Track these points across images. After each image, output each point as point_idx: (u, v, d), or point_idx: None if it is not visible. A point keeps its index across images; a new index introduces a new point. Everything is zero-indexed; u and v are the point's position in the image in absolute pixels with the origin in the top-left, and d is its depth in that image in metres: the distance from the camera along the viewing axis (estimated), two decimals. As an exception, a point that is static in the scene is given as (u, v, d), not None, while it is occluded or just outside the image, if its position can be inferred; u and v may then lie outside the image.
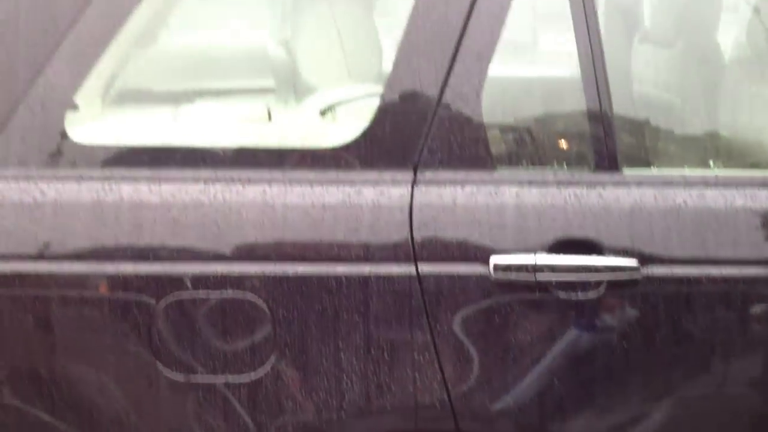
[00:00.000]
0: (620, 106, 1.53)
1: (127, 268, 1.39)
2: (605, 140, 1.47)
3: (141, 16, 1.50)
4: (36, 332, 1.41)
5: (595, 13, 1.46)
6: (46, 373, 1.42)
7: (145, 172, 1.42)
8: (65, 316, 1.41)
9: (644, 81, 2.13)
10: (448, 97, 1.43)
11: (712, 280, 1.44)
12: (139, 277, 1.39)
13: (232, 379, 1.41)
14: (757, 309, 1.47)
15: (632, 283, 1.43)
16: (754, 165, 1.69)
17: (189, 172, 1.42)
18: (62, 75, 1.42)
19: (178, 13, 1.82)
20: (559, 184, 1.46)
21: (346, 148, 1.44)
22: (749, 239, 1.45)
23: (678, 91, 2.06)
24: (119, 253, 1.39)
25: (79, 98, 1.45)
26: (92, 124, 1.53)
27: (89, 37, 1.43)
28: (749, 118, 1.84)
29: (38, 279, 1.40)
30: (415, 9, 1.44)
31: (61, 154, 1.42)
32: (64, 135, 1.42)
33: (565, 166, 1.52)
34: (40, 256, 1.39)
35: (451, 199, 1.42)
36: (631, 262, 1.42)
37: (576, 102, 1.50)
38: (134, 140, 1.49)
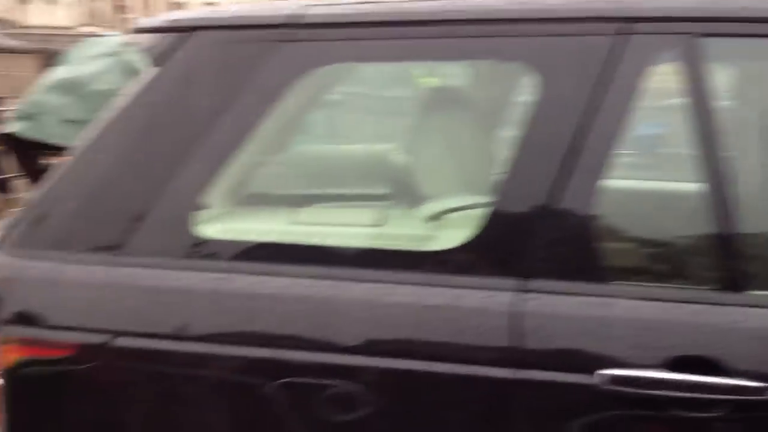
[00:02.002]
0: (748, 223, 1.46)
1: (242, 351, 1.47)
2: (728, 258, 1.41)
3: (269, 127, 1.62)
4: (158, 402, 1.53)
5: (718, 126, 1.42)
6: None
7: (262, 266, 1.51)
8: (184, 391, 1.52)
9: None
10: (560, 208, 1.42)
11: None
12: (251, 361, 1.47)
13: None
14: None
15: (752, 406, 1.33)
16: None
17: (302, 269, 1.49)
18: (194, 177, 1.55)
19: (303, 125, 1.93)
20: (677, 300, 1.39)
21: (453, 252, 1.46)
22: None
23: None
24: (234, 338, 1.48)
25: (208, 198, 1.58)
26: (218, 223, 1.65)
27: (221, 144, 1.55)
28: None
29: (163, 356, 1.51)
30: (530, 122, 1.46)
31: (189, 247, 1.55)
32: (192, 231, 1.54)
33: (684, 283, 1.45)
34: (167, 336, 1.50)
35: (559, 308, 1.39)
36: (752, 383, 1.32)
37: (698, 216, 1.45)
38: (254, 237, 1.61)
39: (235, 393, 1.49)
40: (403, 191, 1.85)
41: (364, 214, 1.72)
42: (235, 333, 1.49)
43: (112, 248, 1.55)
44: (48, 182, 1.63)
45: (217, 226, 1.64)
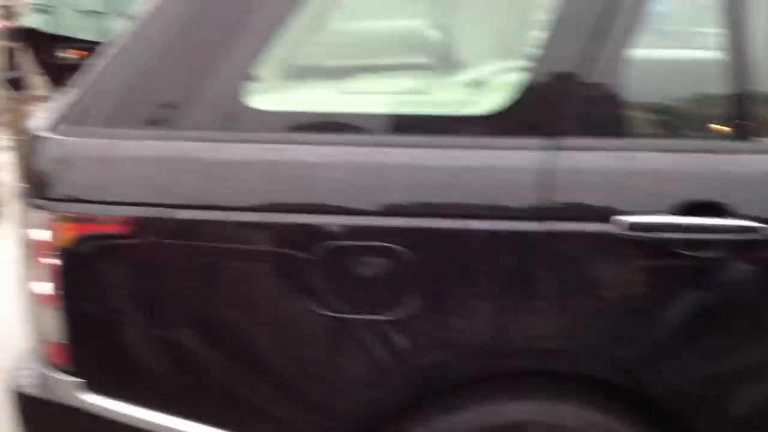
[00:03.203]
0: (759, 83, 1.61)
1: (291, 218, 1.57)
2: (739, 112, 1.57)
3: (314, 4, 1.70)
4: (207, 275, 1.62)
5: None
6: (215, 306, 1.63)
7: (314, 136, 1.61)
8: (236, 261, 1.60)
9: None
10: (592, 71, 1.56)
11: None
12: (301, 227, 1.57)
13: (377, 317, 1.58)
14: None
15: (754, 244, 1.52)
16: None
17: (350, 137, 1.61)
18: (245, 49, 1.60)
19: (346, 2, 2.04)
20: (692, 151, 1.57)
21: (494, 116, 1.59)
22: None
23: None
24: (285, 207, 1.58)
25: (258, 71, 1.63)
26: (269, 94, 1.72)
27: (271, 17, 1.62)
28: None
29: (213, 226, 1.58)
30: None
31: (241, 119, 1.61)
32: (243, 102, 1.61)
33: (699, 136, 1.62)
34: (223, 207, 1.58)
35: (589, 163, 1.55)
36: (754, 224, 1.51)
37: (713, 78, 1.61)
38: (304, 108, 1.69)
39: (290, 259, 1.57)
40: (442, 60, 1.99)
41: (407, 82, 1.86)
42: (290, 202, 1.58)
43: (165, 123, 1.61)
44: (101, 61, 1.66)
45: (269, 97, 1.70)
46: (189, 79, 1.61)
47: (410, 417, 1.67)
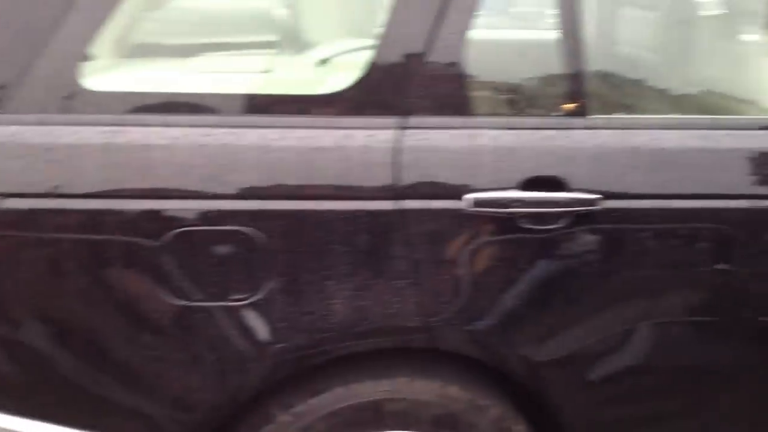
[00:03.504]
0: (593, 63, 1.69)
1: (134, 205, 1.52)
2: (575, 90, 1.64)
3: None
4: (47, 264, 1.54)
5: None
6: (57, 300, 1.56)
7: (155, 118, 1.55)
8: (76, 250, 1.54)
9: (623, 41, 2.30)
10: (436, 50, 1.58)
11: (664, 213, 1.62)
12: (145, 213, 1.52)
13: (230, 303, 1.56)
14: (701, 239, 1.65)
15: (593, 215, 1.60)
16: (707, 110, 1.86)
17: (196, 118, 1.56)
18: (78, 29, 1.53)
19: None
20: (533, 128, 1.62)
21: (340, 95, 1.59)
22: (700, 176, 1.63)
23: (652, 48, 2.23)
24: (127, 192, 1.52)
25: (93, 50, 1.55)
26: (107, 74, 1.66)
27: None
28: (711, 70, 2.01)
29: (51, 215, 1.52)
30: None
31: (77, 101, 1.54)
32: (78, 83, 1.54)
33: (538, 114, 1.68)
34: (53, 194, 1.51)
35: (436, 142, 1.58)
36: (591, 196, 1.59)
37: (550, 58, 1.67)
38: (144, 88, 1.61)
39: (136, 247, 1.52)
40: (291, 38, 1.96)
41: (254, 61, 1.82)
42: (133, 187, 1.52)
43: None
44: None
45: (107, 77, 1.65)
46: (19, 59, 1.52)
47: (272, 402, 1.66)
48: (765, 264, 1.66)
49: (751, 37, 2.07)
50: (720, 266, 1.65)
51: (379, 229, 1.56)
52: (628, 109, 1.87)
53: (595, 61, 1.70)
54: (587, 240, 1.62)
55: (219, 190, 1.53)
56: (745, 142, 1.65)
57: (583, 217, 1.60)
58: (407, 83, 1.59)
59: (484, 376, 1.74)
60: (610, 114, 1.70)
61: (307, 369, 1.64)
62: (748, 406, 1.79)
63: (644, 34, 2.29)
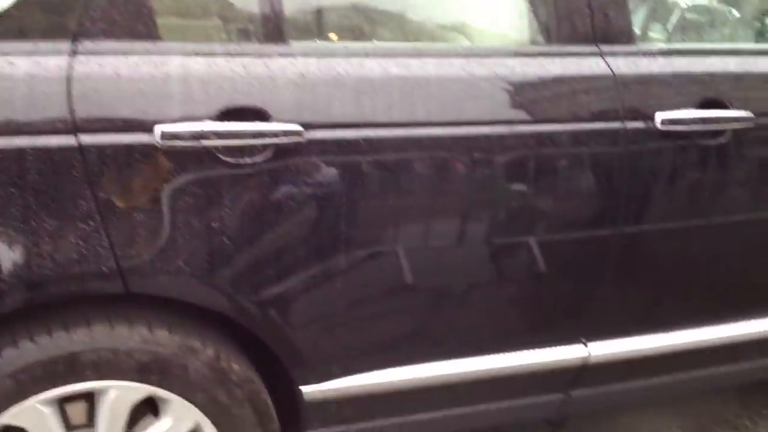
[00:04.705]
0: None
1: None
2: (273, 15, 1.54)
3: None
4: None
5: None
6: None
7: None
8: None
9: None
10: None
11: (370, 142, 1.58)
12: None
13: None
14: (412, 166, 1.64)
15: (297, 147, 1.54)
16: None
17: None
18: None
19: None
20: (227, 54, 1.52)
21: (2, 16, 1.40)
22: (403, 104, 1.60)
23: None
24: None
25: None
26: None
27: None
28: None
29: None
30: None
31: None
32: None
33: (234, 39, 1.57)
34: None
35: (113, 69, 1.43)
36: (294, 127, 1.52)
37: None
38: None
39: None
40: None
41: None
42: None
43: None
44: None
45: None
46: None
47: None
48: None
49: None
50: (414, 196, 1.65)
51: (53, 168, 1.41)
52: (332, 35, 1.81)
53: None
54: (293, 173, 1.55)
55: None
56: (447, 71, 1.65)
57: (289, 150, 1.54)
58: (78, 3, 1.42)
59: (199, 318, 1.66)
60: (313, 41, 1.62)
61: None
62: (475, 322, 1.85)
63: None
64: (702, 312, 2.07)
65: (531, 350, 1.91)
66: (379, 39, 1.83)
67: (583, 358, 1.94)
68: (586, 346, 1.95)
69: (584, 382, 2.01)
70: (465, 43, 1.91)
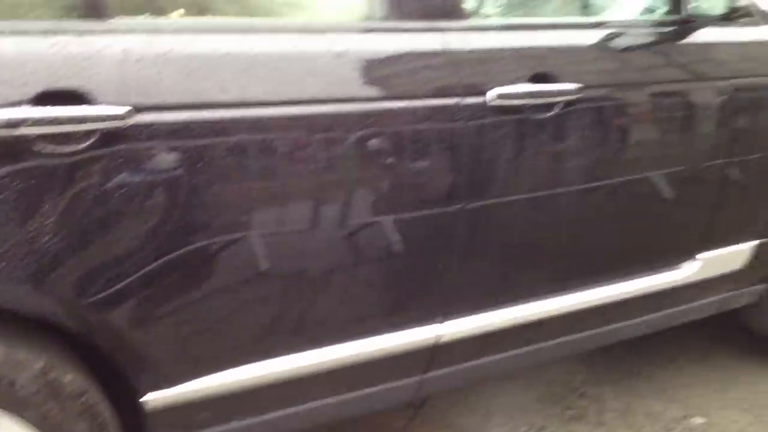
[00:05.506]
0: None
1: None
2: None
3: None
4: None
5: None
6: None
7: None
8: None
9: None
10: None
11: (204, 124, 1.49)
12: None
13: None
14: (251, 148, 1.56)
15: (124, 132, 1.42)
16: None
17: None
18: None
19: None
20: (43, 33, 1.38)
21: None
22: (237, 83, 1.52)
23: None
24: None
25: None
26: None
27: None
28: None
29: None
30: None
31: None
32: None
33: (52, 16, 1.44)
34: None
35: None
36: (120, 110, 1.40)
37: None
38: None
39: None
40: None
41: None
42: None
43: None
44: None
45: None
46: None
47: None
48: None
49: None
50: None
51: None
52: (158, 11, 1.69)
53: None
54: (122, 160, 1.43)
55: None
56: (283, 47, 1.59)
57: (116, 135, 1.41)
58: None
59: (29, 327, 1.50)
60: (136, 16, 1.51)
61: None
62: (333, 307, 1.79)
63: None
64: (549, 282, 2.12)
65: (387, 334, 1.87)
66: (217, 15, 1.73)
67: (437, 336, 1.93)
68: (442, 324, 1.94)
69: (440, 361, 2.01)
70: (300, 18, 1.85)
